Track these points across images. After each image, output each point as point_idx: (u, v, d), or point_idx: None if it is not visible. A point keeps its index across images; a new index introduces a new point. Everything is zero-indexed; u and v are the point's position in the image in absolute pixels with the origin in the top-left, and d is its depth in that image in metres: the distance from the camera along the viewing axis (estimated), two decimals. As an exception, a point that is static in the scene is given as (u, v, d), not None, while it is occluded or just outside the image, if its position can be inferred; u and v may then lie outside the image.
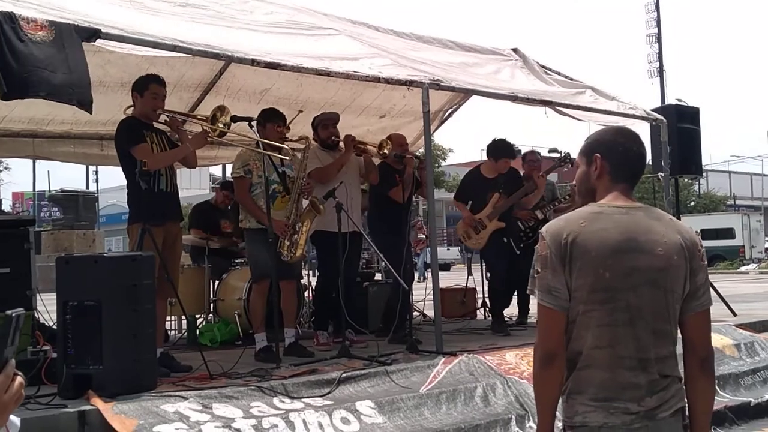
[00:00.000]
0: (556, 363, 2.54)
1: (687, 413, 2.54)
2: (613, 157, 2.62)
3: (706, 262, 2.57)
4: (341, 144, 7.61)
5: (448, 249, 38.60)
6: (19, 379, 1.62)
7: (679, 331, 2.56)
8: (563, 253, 2.49)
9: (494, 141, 8.61)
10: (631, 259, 2.45)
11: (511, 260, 8.50)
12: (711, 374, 2.58)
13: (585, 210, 2.58)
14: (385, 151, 7.56)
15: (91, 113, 5.11)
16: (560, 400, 2.57)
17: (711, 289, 2.68)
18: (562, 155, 9.19)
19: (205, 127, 6.17)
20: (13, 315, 1.60)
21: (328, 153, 7.56)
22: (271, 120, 6.80)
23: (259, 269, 6.69)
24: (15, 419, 1.73)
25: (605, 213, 2.53)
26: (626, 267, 2.45)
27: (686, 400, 2.54)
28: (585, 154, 2.68)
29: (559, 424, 2.59)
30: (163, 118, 6.19)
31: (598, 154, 2.62)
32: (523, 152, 9.88)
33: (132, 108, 6.19)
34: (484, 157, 8.78)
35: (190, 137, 6.23)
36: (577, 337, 2.51)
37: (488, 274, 8.81)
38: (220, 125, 6.13)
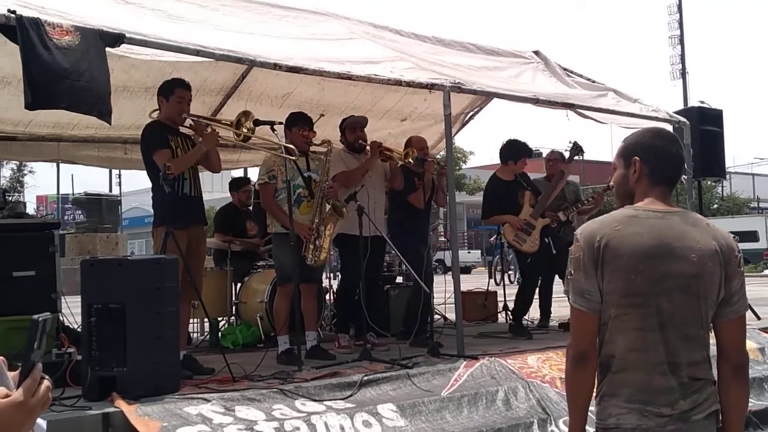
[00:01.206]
0: (588, 363, 2.55)
1: (720, 417, 2.54)
2: (652, 160, 2.60)
3: (743, 268, 2.54)
4: (367, 148, 7.63)
5: (469, 252, 38.57)
6: (46, 383, 1.64)
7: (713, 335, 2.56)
8: (596, 257, 2.49)
9: (509, 142, 8.58)
10: (663, 264, 2.44)
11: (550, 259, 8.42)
12: (744, 380, 2.57)
13: (620, 213, 2.58)
14: (410, 159, 7.57)
15: (110, 124, 5.17)
16: (593, 403, 2.58)
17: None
18: (571, 145, 8.94)
19: (219, 130, 6.25)
20: (39, 319, 1.62)
21: (354, 156, 7.60)
22: (297, 124, 6.85)
23: (283, 273, 6.73)
24: (41, 422, 1.76)
25: (640, 217, 2.52)
26: (658, 272, 2.44)
27: (719, 404, 2.53)
28: (623, 157, 2.67)
29: (590, 429, 2.59)
30: (188, 122, 6.24)
31: (636, 158, 2.61)
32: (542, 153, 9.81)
33: (158, 112, 6.24)
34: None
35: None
36: (609, 340, 2.52)
37: (520, 277, 8.59)
38: (245, 130, 6.19)
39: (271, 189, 6.77)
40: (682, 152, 2.66)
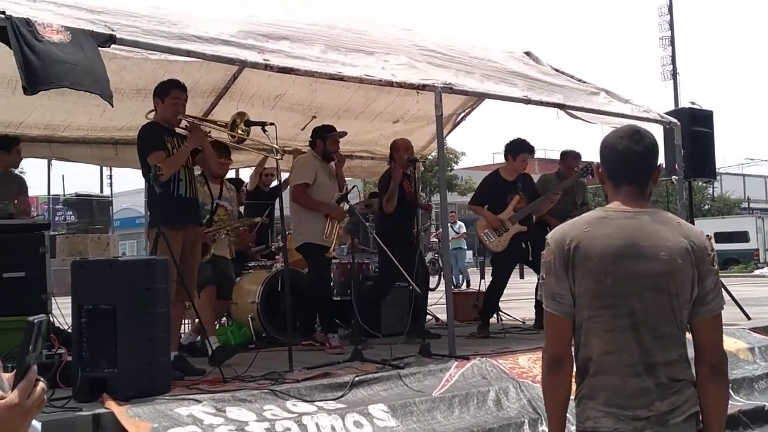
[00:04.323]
0: (564, 367, 2.55)
1: (701, 418, 2.51)
2: (606, 161, 2.60)
3: (716, 267, 2.52)
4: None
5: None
6: (41, 385, 1.64)
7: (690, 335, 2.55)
8: (566, 259, 2.49)
9: (513, 139, 8.65)
10: (632, 264, 2.43)
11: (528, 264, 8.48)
12: (722, 380, 2.54)
13: (590, 215, 2.57)
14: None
15: (112, 105, 5.13)
16: (573, 405, 2.58)
17: (724, 293, 2.62)
18: (584, 167, 9.08)
19: (213, 131, 6.27)
20: (35, 321, 1.62)
21: (326, 164, 7.74)
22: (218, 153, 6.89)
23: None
24: (36, 424, 1.75)
25: (610, 218, 2.51)
26: (628, 272, 2.43)
27: (699, 406, 2.51)
28: None
29: (572, 428, 2.59)
30: (183, 123, 6.23)
31: (597, 162, 2.63)
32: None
33: (153, 113, 6.23)
34: (497, 161, 8.78)
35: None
36: (585, 343, 2.51)
37: (491, 279, 8.61)
38: (239, 131, 6.19)
39: None
40: (636, 145, 2.55)
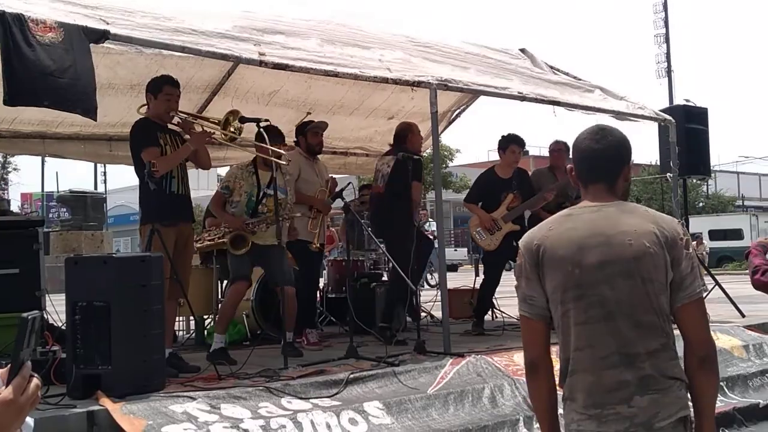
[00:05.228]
0: (541, 371, 2.54)
1: (693, 421, 2.44)
2: (574, 161, 2.61)
3: (691, 251, 2.46)
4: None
5: (455, 250, 38.58)
6: (35, 381, 1.63)
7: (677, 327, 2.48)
8: (536, 259, 2.49)
9: (504, 135, 8.64)
10: (600, 253, 2.41)
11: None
12: (711, 371, 2.46)
13: (557, 215, 2.59)
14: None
15: (95, 120, 5.14)
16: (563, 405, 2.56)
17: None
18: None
19: (208, 129, 6.22)
20: (29, 318, 1.60)
21: (310, 160, 7.74)
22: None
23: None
24: (29, 421, 1.74)
25: (575, 214, 2.52)
26: (596, 261, 2.41)
27: (691, 405, 2.45)
28: None
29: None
30: (176, 119, 6.21)
31: (570, 165, 2.63)
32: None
33: (146, 108, 6.20)
34: (492, 158, 8.77)
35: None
36: (564, 343, 2.49)
37: (482, 278, 8.59)
38: (232, 129, 6.17)
39: (220, 197, 6.88)
40: (597, 144, 2.54)
